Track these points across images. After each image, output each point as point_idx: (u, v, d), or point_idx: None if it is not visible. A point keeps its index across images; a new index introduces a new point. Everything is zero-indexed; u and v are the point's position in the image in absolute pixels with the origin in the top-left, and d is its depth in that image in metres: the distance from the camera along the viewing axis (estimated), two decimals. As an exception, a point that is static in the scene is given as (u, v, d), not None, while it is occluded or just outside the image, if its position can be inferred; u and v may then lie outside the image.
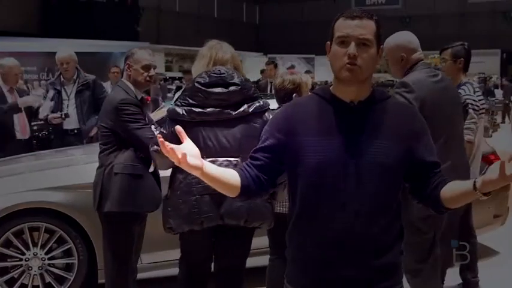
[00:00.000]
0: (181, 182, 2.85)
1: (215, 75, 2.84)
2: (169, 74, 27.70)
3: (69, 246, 3.97)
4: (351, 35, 1.77)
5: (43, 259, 3.94)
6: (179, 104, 2.88)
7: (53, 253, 3.96)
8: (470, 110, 3.72)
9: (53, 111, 5.76)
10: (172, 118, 2.86)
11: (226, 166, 2.72)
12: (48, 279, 3.97)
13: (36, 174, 4.31)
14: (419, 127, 1.89)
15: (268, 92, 7.74)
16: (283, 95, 3.49)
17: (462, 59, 4.02)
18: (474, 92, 3.94)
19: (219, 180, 1.82)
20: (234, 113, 2.78)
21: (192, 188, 2.82)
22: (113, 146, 3.27)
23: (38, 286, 3.97)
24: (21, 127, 5.79)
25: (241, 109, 2.79)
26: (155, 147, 2.79)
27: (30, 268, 3.92)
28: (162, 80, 23.02)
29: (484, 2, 33.80)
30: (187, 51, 32.68)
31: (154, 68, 3.47)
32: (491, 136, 13.03)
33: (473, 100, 3.81)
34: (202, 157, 2.43)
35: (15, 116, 5.70)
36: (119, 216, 3.27)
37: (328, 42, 1.85)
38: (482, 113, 4.02)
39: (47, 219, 3.89)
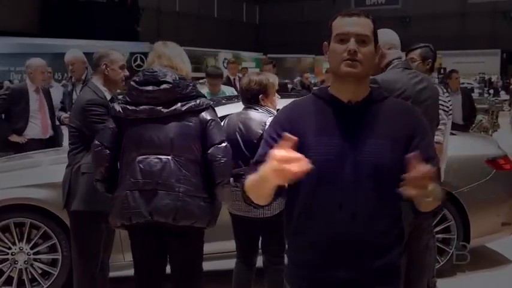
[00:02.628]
0: (120, 178, 2.92)
1: (148, 73, 2.87)
2: (169, 74, 27.72)
3: (53, 242, 4.04)
4: (350, 32, 1.78)
5: (28, 254, 4.03)
6: (119, 101, 2.95)
7: (38, 248, 4.05)
8: (440, 111, 3.71)
9: (62, 110, 5.85)
10: (112, 115, 2.92)
11: (157, 163, 2.77)
12: (33, 273, 4.04)
13: (22, 171, 4.41)
14: (417, 127, 1.85)
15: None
16: (250, 97, 3.42)
17: (430, 60, 4.04)
18: (443, 93, 3.92)
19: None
20: (165, 110, 2.79)
21: (123, 184, 2.85)
22: (80, 146, 3.30)
23: (31, 280, 4.04)
24: (43, 127, 5.91)
25: (173, 107, 2.79)
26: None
27: (16, 262, 4.02)
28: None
29: (484, 2, 33.84)
30: (188, 51, 32.65)
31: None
32: (491, 136, 13.01)
33: (443, 101, 3.78)
34: (135, 153, 2.69)
35: (36, 117, 5.85)
36: (85, 215, 3.30)
37: (326, 43, 1.86)
38: (451, 114, 4.01)
39: (32, 215, 3.98)
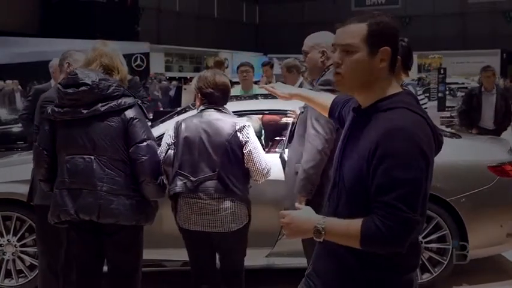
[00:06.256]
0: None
1: (70, 76, 2.93)
2: (169, 74, 27.71)
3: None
4: (335, 43, 1.78)
5: (15, 246, 4.21)
6: (53, 104, 3.01)
7: (24, 241, 4.22)
8: None
9: None
10: (46, 117, 2.99)
11: (81, 163, 2.85)
12: (20, 265, 4.23)
13: (10, 168, 4.57)
14: (386, 147, 1.63)
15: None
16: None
17: (399, 57, 3.94)
18: (416, 93, 3.90)
19: (314, 101, 2.40)
20: (85, 111, 2.85)
21: (56, 183, 2.95)
22: None
23: (18, 272, 4.25)
24: None
25: (93, 108, 2.84)
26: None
27: (4, 253, 4.21)
28: (164, 79, 23.03)
29: (484, 2, 33.80)
30: (187, 51, 32.72)
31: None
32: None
33: None
34: (64, 153, 2.87)
35: None
36: (44, 209, 3.32)
37: None
38: None
39: (18, 209, 4.14)
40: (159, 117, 5.39)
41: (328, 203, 1.84)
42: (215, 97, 3.20)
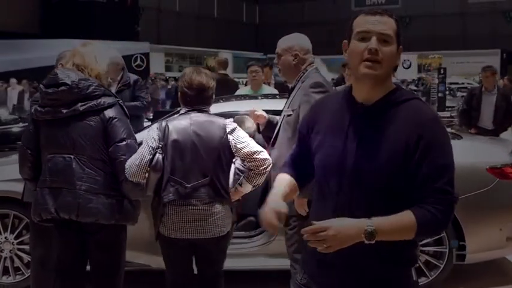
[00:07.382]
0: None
1: (51, 76, 2.95)
2: (169, 74, 27.73)
3: None
4: (372, 30, 1.73)
5: (13, 243, 4.28)
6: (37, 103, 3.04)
7: (22, 238, 4.26)
8: None
9: None
10: (31, 117, 3.03)
11: (61, 162, 2.88)
12: (17, 263, 4.29)
13: (6, 167, 4.57)
14: (431, 137, 1.71)
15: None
16: None
17: None
18: None
19: (290, 195, 1.99)
20: (65, 111, 2.87)
21: (38, 182, 2.98)
22: None
23: (15, 269, 4.31)
24: None
25: (73, 108, 2.86)
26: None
27: (2, 251, 4.28)
28: (164, 79, 23.05)
29: (484, 2, 33.82)
30: (187, 51, 32.74)
31: None
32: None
33: None
34: (46, 153, 2.85)
35: None
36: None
37: (345, 41, 1.82)
38: None
39: (15, 207, 4.16)
40: (159, 117, 5.40)
41: (335, 208, 1.77)
42: (188, 96, 3.04)
